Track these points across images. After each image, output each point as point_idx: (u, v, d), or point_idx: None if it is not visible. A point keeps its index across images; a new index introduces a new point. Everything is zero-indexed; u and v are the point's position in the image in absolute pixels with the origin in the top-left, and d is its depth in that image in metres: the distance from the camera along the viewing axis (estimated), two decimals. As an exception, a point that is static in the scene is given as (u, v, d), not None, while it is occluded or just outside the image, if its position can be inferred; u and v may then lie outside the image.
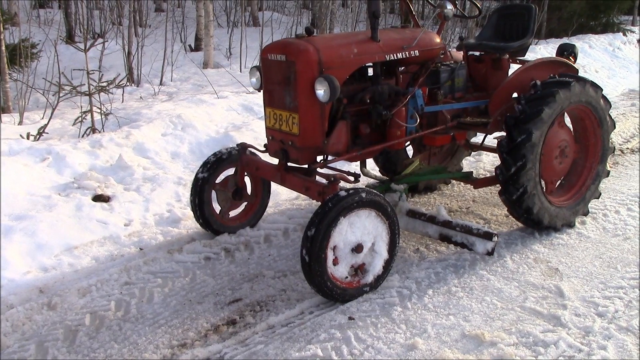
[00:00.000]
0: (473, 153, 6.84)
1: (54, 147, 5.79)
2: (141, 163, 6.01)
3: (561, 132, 5.04)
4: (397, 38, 4.61)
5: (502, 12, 5.72)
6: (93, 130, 6.62)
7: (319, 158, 4.61)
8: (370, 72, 4.68)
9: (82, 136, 6.51)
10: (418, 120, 4.73)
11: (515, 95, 5.10)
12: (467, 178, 5.33)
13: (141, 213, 5.32)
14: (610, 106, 5.25)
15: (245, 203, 5.23)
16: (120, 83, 7.05)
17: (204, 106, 7.57)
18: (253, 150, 4.98)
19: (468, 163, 7.09)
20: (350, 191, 3.89)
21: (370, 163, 6.13)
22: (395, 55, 4.52)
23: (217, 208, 5.05)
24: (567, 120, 5.23)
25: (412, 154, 6.05)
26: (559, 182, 5.29)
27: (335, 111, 4.39)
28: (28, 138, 6.22)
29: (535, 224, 4.96)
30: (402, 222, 4.87)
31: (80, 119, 6.53)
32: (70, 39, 13.06)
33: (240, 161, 4.93)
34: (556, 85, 4.81)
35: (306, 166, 4.49)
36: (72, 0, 14.84)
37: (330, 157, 4.57)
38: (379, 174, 5.51)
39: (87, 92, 6.49)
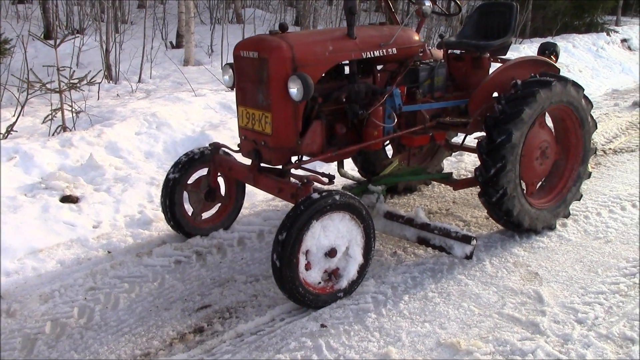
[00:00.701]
0: (454, 153, 6.72)
1: (21, 146, 5.60)
2: (113, 163, 5.83)
3: (542, 132, 4.93)
4: (374, 35, 4.47)
5: (484, 10, 5.60)
6: (64, 128, 6.42)
7: (294, 159, 4.48)
8: (347, 70, 4.54)
9: (53, 135, 6.32)
10: (395, 120, 4.60)
11: (495, 94, 4.98)
12: (447, 179, 5.21)
13: (111, 214, 5.15)
14: (592, 106, 5.15)
15: (219, 204, 5.08)
16: (92, 80, 6.84)
17: (180, 104, 7.39)
18: (227, 150, 4.83)
19: (449, 163, 6.98)
20: (324, 193, 3.75)
21: (349, 163, 6.00)
22: (372, 52, 4.38)
23: (189, 209, 4.89)
24: (549, 121, 5.13)
25: (391, 154, 5.93)
26: (539, 183, 5.18)
27: (309, 110, 4.25)
28: (-5, 136, 6.02)
29: (515, 226, 4.85)
30: (380, 225, 4.74)
31: (50, 117, 6.33)
32: (48, 35, 12.80)
33: (213, 161, 4.78)
34: (537, 85, 4.70)
35: (280, 167, 4.35)
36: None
37: (305, 158, 4.43)
38: (357, 175, 5.37)
39: (57, 90, 6.28)
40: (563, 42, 15.30)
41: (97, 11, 15.52)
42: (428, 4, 4.50)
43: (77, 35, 11.60)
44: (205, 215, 5.02)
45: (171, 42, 13.91)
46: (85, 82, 6.55)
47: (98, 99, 8.35)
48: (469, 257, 4.41)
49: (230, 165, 4.64)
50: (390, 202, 5.83)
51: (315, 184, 4.06)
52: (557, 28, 17.92)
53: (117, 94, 8.95)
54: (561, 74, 5.13)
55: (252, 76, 4.16)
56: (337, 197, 3.77)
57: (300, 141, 4.18)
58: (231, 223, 5.11)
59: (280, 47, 3.98)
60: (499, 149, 4.56)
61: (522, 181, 4.83)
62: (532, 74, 4.86)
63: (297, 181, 4.15)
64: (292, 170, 4.37)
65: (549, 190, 5.21)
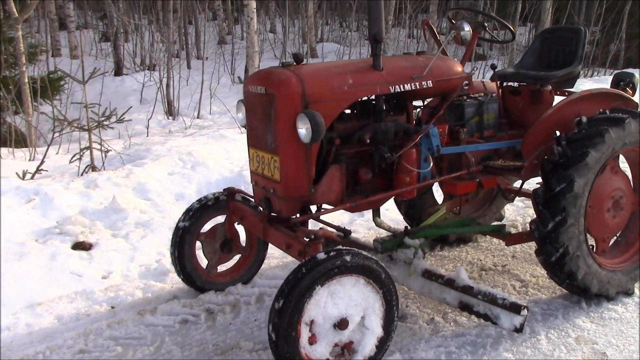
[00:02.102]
0: (521, 198, 5.92)
1: (42, 187, 5.33)
2: (138, 205, 5.45)
3: (614, 179, 4.13)
4: (405, 66, 3.87)
5: (547, 36, 4.87)
6: (92, 168, 6.15)
7: (314, 208, 3.91)
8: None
9: (81, 174, 6.05)
10: (431, 164, 3.95)
11: (557, 134, 4.22)
12: (499, 233, 4.45)
13: (125, 264, 4.73)
14: (678, 148, 4.29)
15: (239, 256, 4.56)
16: (122, 118, 6.56)
17: (223, 142, 7.00)
18: (244, 195, 4.33)
19: (515, 209, 6.18)
20: (332, 253, 3.15)
21: (394, 209, 5.37)
22: (402, 86, 3.78)
23: (204, 261, 4.40)
24: (624, 164, 4.31)
25: (442, 199, 5.24)
26: (613, 239, 4.34)
27: (326, 153, 3.68)
28: (24, 177, 5.79)
29: (581, 291, 4.05)
30: (417, 285, 4.07)
31: (79, 156, 6.07)
32: (118, 71, 12.96)
33: (228, 208, 4.28)
34: (606, 123, 3.93)
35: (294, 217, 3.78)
36: (123, 33, 14.86)
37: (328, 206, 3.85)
38: (393, 225, 4.70)
39: (86, 128, 6.03)
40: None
41: (172, 47, 15.69)
42: (467, 28, 3.87)
43: (140, 69, 11.63)
44: (223, 267, 4.52)
45: (239, 77, 13.77)
46: (114, 120, 6.27)
47: (147, 136, 8.12)
48: (518, 330, 3.64)
49: (243, 214, 4.12)
50: (439, 254, 5.12)
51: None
52: (654, 58, 16.57)
53: (170, 130, 8.72)
54: (641, 109, 4.33)
55: (260, 114, 3.65)
56: (348, 258, 3.16)
57: (314, 189, 3.60)
58: (252, 277, 4.57)
59: (288, 81, 3.45)
60: (558, 200, 3.82)
61: (590, 237, 4.04)
62: (601, 110, 4.09)
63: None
64: (303, 221, 3.79)
65: (626, 248, 4.36)
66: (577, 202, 3.83)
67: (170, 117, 10.00)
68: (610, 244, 4.33)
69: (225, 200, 4.30)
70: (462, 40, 3.90)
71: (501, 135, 4.48)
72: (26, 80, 7.32)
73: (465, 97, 4.37)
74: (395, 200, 5.12)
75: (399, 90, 3.78)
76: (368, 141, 3.77)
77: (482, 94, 4.48)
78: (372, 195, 3.88)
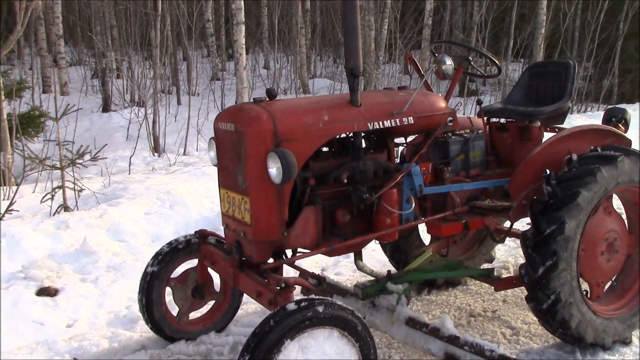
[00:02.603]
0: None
1: (10, 229, 5.07)
2: (111, 247, 5.20)
3: (608, 220, 3.91)
4: (384, 102, 3.67)
5: (535, 71, 4.70)
6: (65, 208, 5.90)
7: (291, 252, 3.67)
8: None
9: (53, 215, 5.80)
10: (413, 205, 3.73)
11: (547, 172, 4.00)
12: (487, 277, 4.20)
13: (92, 310, 4.46)
14: (674, 187, 4.07)
15: (213, 302, 4.29)
16: (96, 156, 6.35)
17: (204, 180, 6.77)
18: (218, 237, 4.08)
19: (507, 250, 5.93)
20: (303, 303, 2.90)
21: (378, 251, 5.13)
22: (381, 123, 3.57)
23: (175, 308, 4.13)
24: (618, 204, 4.09)
25: (429, 240, 5.00)
26: (608, 284, 4.10)
27: (300, 194, 3.45)
28: (-7, 217, 5.55)
29: (575, 340, 3.78)
30: (401, 333, 3.82)
31: (50, 195, 5.83)
32: (106, 107, 12.81)
33: (200, 252, 4.03)
34: (598, 161, 3.72)
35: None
36: (114, 69, 14.76)
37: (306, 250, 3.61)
38: (380, 267, 4.45)
39: (59, 166, 5.80)
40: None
41: (158, 83, 15.53)
42: (449, 62, 3.68)
43: (130, 106, 11.47)
44: (196, 314, 4.25)
45: (229, 114, 13.61)
46: (88, 158, 6.04)
47: (129, 173, 7.90)
48: (507, 384, 3.38)
49: (214, 258, 3.87)
50: (426, 299, 4.86)
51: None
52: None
53: (153, 168, 8.50)
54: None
55: (230, 153, 3.44)
56: (321, 309, 2.91)
57: (287, 232, 3.36)
58: (226, 324, 4.31)
59: (258, 117, 3.25)
60: (548, 243, 3.58)
61: (584, 281, 3.81)
62: (592, 147, 3.88)
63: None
64: (286, 267, 3.55)
65: (622, 293, 4.11)
66: (568, 246, 3.60)
67: (155, 154, 9.80)
68: (605, 289, 4.09)
69: (197, 243, 4.06)
70: (444, 75, 3.72)
71: (488, 173, 4.27)
72: (4, 117, 7.11)
73: (450, 134, 4.17)
74: (380, 242, 4.88)
75: (378, 127, 3.58)
76: (345, 181, 3.56)
77: (468, 131, 4.28)
78: (351, 238, 3.65)
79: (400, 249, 4.86)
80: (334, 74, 21.34)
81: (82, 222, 5.40)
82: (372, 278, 4.20)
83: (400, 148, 4.07)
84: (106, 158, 6.99)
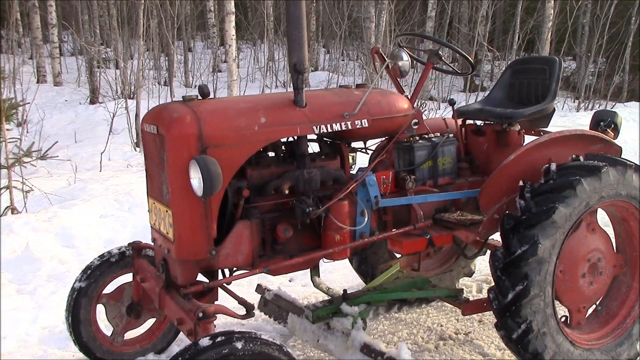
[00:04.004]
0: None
1: (-54, 233, 4.69)
2: (57, 254, 4.80)
3: (591, 238, 3.46)
4: (334, 102, 3.24)
5: (517, 68, 4.25)
6: (12, 210, 5.51)
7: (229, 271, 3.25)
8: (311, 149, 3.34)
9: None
10: (366, 219, 3.30)
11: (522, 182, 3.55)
12: (455, 299, 3.75)
13: (25, 325, 4.06)
14: (669, 201, 3.61)
15: (154, 320, 3.89)
16: (45, 155, 5.94)
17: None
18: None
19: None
20: (219, 338, 2.49)
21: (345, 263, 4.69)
22: (329, 126, 3.14)
23: (109, 327, 3.73)
24: (603, 219, 3.65)
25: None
26: (591, 309, 3.65)
27: (233, 207, 3.03)
28: None
29: (550, 374, 3.34)
30: (355, 362, 3.39)
31: (-6, 196, 5.45)
32: (93, 99, 12.43)
33: (134, 266, 3.62)
34: (579, 172, 3.26)
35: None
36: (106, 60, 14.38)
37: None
38: (333, 287, 3.99)
39: (5, 166, 5.41)
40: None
41: (157, 75, 15.16)
42: (406, 58, 3.23)
43: (118, 98, 11.07)
44: (133, 334, 3.84)
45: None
46: (36, 157, 5.65)
47: (100, 171, 7.50)
48: None
49: (145, 275, 3.45)
50: (395, 317, 4.42)
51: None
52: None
53: (129, 165, 8.11)
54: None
55: (156, 158, 3.02)
56: (240, 345, 2.50)
57: (216, 251, 2.94)
58: (167, 345, 3.91)
59: (180, 119, 2.83)
60: (519, 265, 3.15)
61: (563, 306, 3.38)
62: (574, 156, 3.43)
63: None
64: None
65: (606, 320, 3.66)
66: (542, 268, 3.15)
67: (137, 149, 9.40)
68: (588, 315, 3.64)
69: (132, 256, 3.65)
70: (401, 72, 3.27)
71: (460, 182, 3.83)
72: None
73: (417, 138, 3.73)
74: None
75: (325, 131, 3.14)
76: (287, 192, 3.13)
77: (439, 135, 3.83)
78: (298, 256, 3.22)
79: (367, 262, 4.44)
80: (336, 67, 20.82)
81: (28, 225, 5.00)
82: (328, 297, 3.80)
83: (356, 153, 3.62)
84: (57, 156, 6.57)
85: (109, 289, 3.71)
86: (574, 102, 16.70)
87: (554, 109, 4.03)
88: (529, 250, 3.12)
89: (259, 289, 4.22)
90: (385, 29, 14.02)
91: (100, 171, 7.51)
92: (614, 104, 15.10)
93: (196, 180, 2.73)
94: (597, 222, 3.51)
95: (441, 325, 4.26)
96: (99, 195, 5.75)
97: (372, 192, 3.33)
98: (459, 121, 4.11)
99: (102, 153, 7.26)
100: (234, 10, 10.76)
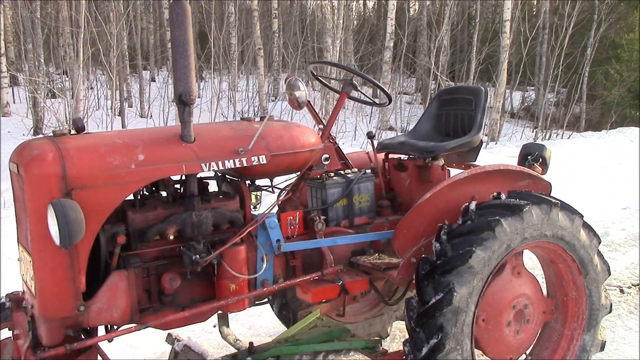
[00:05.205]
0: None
1: None
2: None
3: (517, 283, 3.18)
4: (228, 137, 2.93)
5: (444, 98, 4.00)
6: None
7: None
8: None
9: None
10: (265, 265, 2.98)
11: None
12: (371, 351, 3.42)
13: None
14: (599, 242, 3.34)
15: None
16: None
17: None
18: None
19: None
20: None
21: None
22: (220, 163, 2.82)
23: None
24: (531, 262, 3.37)
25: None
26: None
27: (108, 255, 2.68)
28: None
29: None
30: None
31: None
32: (37, 130, 12.00)
33: (13, 321, 3.22)
34: (499, 211, 2.99)
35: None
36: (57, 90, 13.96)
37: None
38: (241, 339, 3.64)
39: None
40: (619, 136, 13.24)
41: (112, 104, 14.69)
42: (303, 89, 2.94)
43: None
44: (18, 394, 3.42)
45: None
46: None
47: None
48: None
49: (20, 332, 3.06)
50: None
51: None
52: (612, 120, 15.96)
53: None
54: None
55: (20, 201, 2.67)
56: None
57: (85, 307, 2.58)
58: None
59: (41, 158, 2.49)
60: (433, 315, 2.84)
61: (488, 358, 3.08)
62: (496, 194, 3.16)
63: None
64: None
65: (537, 371, 3.37)
66: (458, 319, 2.85)
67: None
68: (517, 366, 3.34)
69: (10, 310, 3.25)
70: (298, 103, 2.98)
71: (379, 222, 3.52)
72: None
73: (332, 175, 3.43)
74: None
75: (216, 168, 2.83)
76: (172, 237, 2.79)
77: (357, 170, 3.53)
78: (190, 308, 2.87)
79: (288, 307, 4.10)
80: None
81: None
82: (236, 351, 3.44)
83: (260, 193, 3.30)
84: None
85: (-12, 344, 3.30)
86: (532, 131, 16.71)
87: (482, 142, 3.78)
88: (444, 299, 2.83)
89: (169, 338, 3.84)
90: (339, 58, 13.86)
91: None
92: (570, 133, 15.12)
93: (53, 227, 2.38)
94: (523, 265, 3.24)
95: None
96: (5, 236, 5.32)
97: (273, 235, 3.01)
98: (382, 155, 3.83)
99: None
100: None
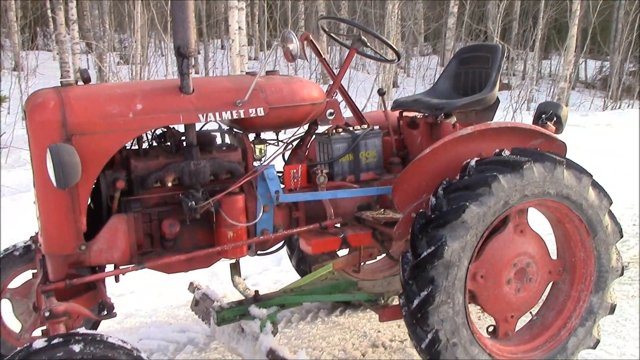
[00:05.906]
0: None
1: None
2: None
3: (519, 241, 3.14)
4: (227, 89, 3.00)
5: (463, 57, 3.94)
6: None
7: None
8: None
9: None
10: (261, 214, 3.07)
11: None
12: (373, 303, 3.47)
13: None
14: (611, 202, 3.25)
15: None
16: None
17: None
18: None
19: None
20: (55, 340, 2.30)
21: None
22: (217, 114, 2.91)
23: (17, 324, 3.58)
24: (539, 221, 3.33)
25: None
26: (520, 318, 3.32)
27: (109, 199, 2.84)
28: None
29: (468, 389, 3.04)
30: (261, 367, 3.17)
31: None
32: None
33: (36, 261, 3.46)
34: (498, 167, 2.96)
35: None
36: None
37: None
38: (249, 287, 3.74)
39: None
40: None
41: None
42: (296, 41, 2.97)
43: None
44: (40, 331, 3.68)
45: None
46: None
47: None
48: None
49: (37, 272, 3.29)
50: (333, 320, 4.16)
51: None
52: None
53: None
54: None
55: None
56: (78, 348, 2.30)
57: (86, 246, 2.75)
58: (80, 343, 3.72)
59: (43, 105, 2.65)
60: (425, 268, 2.87)
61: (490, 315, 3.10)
62: (498, 150, 3.12)
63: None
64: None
65: (541, 331, 3.33)
66: (450, 273, 2.86)
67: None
68: (525, 324, 3.33)
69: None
70: (292, 56, 3.01)
71: (387, 178, 3.53)
72: None
73: (339, 131, 3.47)
74: (287, 248, 4.24)
75: (213, 119, 2.92)
76: (170, 184, 2.92)
77: (366, 127, 3.55)
78: (191, 253, 3.01)
79: (305, 260, 4.20)
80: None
81: None
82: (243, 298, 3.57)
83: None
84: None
85: (15, 283, 3.55)
86: (602, 101, 16.03)
87: (498, 101, 3.71)
88: (436, 252, 2.85)
89: (191, 287, 4.02)
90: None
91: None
92: (629, 102, 14.42)
93: (50, 170, 2.54)
94: (528, 223, 3.20)
95: (378, 332, 3.98)
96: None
97: (271, 186, 3.09)
98: (396, 113, 3.83)
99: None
100: (237, 5, 10.61)
